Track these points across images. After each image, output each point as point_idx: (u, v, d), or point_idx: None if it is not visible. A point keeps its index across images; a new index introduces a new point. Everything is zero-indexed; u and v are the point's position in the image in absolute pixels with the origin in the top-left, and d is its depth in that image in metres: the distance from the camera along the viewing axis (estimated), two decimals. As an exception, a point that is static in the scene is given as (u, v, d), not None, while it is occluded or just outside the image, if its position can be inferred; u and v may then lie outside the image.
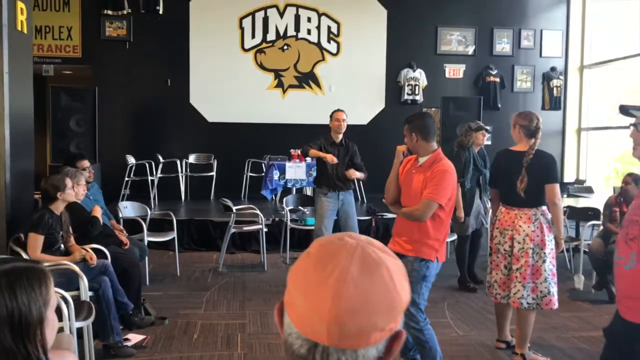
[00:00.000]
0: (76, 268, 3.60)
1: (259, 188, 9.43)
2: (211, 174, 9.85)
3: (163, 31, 10.11)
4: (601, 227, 5.87)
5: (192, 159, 9.98)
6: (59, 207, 3.90)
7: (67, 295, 3.14)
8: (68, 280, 3.73)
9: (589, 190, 8.89)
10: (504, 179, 4.12)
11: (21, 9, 3.93)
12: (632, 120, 2.19)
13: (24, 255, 3.82)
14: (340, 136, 5.76)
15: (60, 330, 3.04)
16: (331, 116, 5.83)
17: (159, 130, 10.16)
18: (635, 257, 2.05)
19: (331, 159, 5.56)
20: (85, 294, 3.58)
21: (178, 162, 9.59)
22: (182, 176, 9.68)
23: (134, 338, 4.21)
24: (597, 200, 7.64)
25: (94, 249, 4.14)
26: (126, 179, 8.97)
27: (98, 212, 4.60)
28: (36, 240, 3.70)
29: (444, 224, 3.44)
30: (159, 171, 9.37)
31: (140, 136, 10.04)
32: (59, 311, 3.01)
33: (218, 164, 9.90)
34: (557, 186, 4.02)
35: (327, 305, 0.88)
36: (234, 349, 4.20)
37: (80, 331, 3.39)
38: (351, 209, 5.79)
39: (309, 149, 5.73)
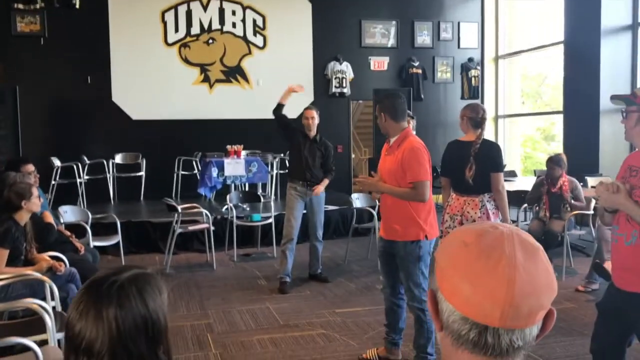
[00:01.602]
0: (46, 279, 3.40)
1: (190, 187, 9.27)
2: (140, 174, 9.54)
3: (81, 26, 9.63)
4: (537, 208, 6.26)
5: (118, 159, 9.61)
6: (23, 217, 3.67)
7: (47, 306, 2.98)
8: (33, 291, 3.53)
9: (513, 174, 9.43)
10: (454, 167, 4.31)
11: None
12: (622, 107, 2.40)
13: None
14: (312, 133, 5.75)
15: (45, 343, 2.88)
16: (302, 114, 5.81)
17: (82, 130, 9.70)
18: (637, 234, 2.25)
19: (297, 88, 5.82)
20: (58, 304, 3.40)
21: (105, 162, 9.22)
22: (109, 177, 9.31)
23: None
24: (521, 184, 8.13)
25: (53, 257, 3.94)
26: (52, 182, 8.50)
27: (50, 217, 4.37)
28: (1, 255, 3.46)
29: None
30: (85, 173, 8.97)
31: (63, 137, 9.53)
32: (42, 323, 2.86)
33: (146, 163, 9.61)
34: (502, 175, 4.26)
35: (502, 291, 0.92)
36: (207, 349, 4.13)
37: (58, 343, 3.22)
38: (319, 205, 5.80)
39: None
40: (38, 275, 3.45)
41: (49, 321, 2.85)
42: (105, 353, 1.21)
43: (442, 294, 1.01)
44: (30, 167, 4.66)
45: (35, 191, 3.72)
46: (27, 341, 2.48)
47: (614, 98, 2.49)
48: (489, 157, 4.17)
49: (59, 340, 3.05)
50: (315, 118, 5.71)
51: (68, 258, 4.16)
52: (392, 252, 3.62)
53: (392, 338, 3.82)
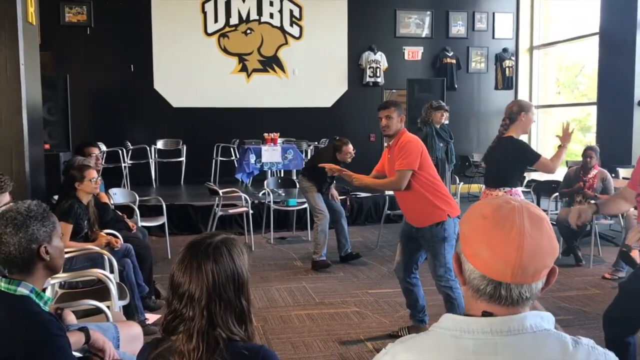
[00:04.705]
0: (106, 253, 3.75)
1: (228, 172, 9.62)
2: (180, 159, 9.93)
3: (125, 16, 10.04)
4: (566, 198, 6.39)
5: (160, 144, 10.02)
6: (83, 198, 4.02)
7: (112, 277, 3.31)
8: (93, 264, 3.87)
9: (544, 164, 9.50)
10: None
11: (31, 0, 3.98)
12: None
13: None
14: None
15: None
16: (340, 148, 5.98)
17: (125, 117, 10.15)
18: None
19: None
20: (116, 275, 3.74)
21: (147, 148, 9.64)
22: (152, 162, 9.72)
23: (152, 317, 4.39)
24: (552, 175, 8.23)
25: (109, 234, 4.28)
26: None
27: (105, 198, 4.72)
28: (67, 229, 3.81)
29: (435, 183, 3.78)
30: (129, 157, 9.40)
31: (107, 123, 9.99)
32: (107, 291, 3.19)
33: (186, 149, 9.99)
34: (540, 162, 4.41)
35: (512, 255, 1.17)
36: (249, 322, 4.44)
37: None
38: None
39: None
40: (99, 250, 3.80)
41: (113, 289, 3.18)
42: (204, 298, 1.51)
43: (464, 256, 1.26)
44: (93, 150, 5.01)
45: (90, 174, 4.05)
46: (100, 304, 2.81)
47: None
48: (510, 154, 4.31)
49: (120, 307, 3.40)
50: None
51: (122, 235, 4.51)
52: (415, 236, 3.85)
53: (417, 316, 4.06)
